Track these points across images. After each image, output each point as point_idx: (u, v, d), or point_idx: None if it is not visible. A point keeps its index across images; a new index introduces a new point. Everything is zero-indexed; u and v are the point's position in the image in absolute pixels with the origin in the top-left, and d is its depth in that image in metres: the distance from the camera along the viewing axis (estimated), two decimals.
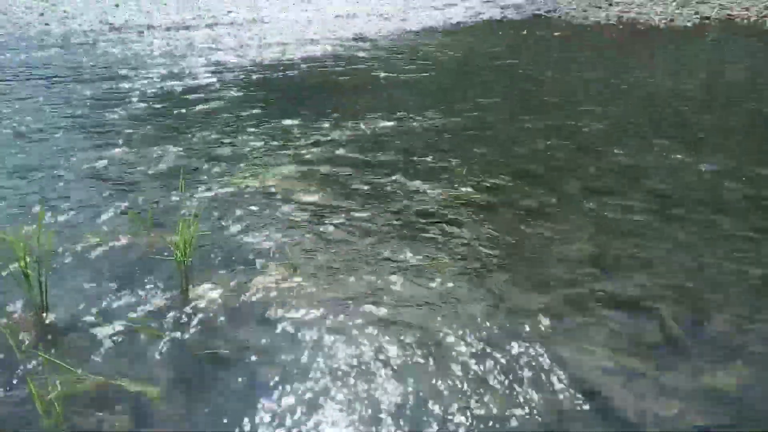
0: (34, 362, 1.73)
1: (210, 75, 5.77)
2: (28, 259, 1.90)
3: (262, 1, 13.96)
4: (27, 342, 1.83)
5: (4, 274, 2.13)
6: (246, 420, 1.56)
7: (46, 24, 9.81)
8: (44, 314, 1.94)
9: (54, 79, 5.55)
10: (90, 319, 1.94)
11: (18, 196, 2.87)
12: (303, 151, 3.59)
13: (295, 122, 4.16)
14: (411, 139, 3.89)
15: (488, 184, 3.15)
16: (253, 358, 1.79)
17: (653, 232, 2.66)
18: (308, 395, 1.65)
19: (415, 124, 4.20)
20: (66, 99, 4.77)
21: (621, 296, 2.18)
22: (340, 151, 3.60)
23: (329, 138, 3.84)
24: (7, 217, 2.61)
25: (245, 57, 6.74)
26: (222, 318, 1.98)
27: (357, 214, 2.77)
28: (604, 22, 11.04)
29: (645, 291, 2.22)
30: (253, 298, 2.09)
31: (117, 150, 3.55)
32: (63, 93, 4.98)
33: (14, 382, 1.66)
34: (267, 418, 1.56)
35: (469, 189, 3.06)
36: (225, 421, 1.56)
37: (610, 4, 13.57)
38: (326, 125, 4.12)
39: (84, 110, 4.45)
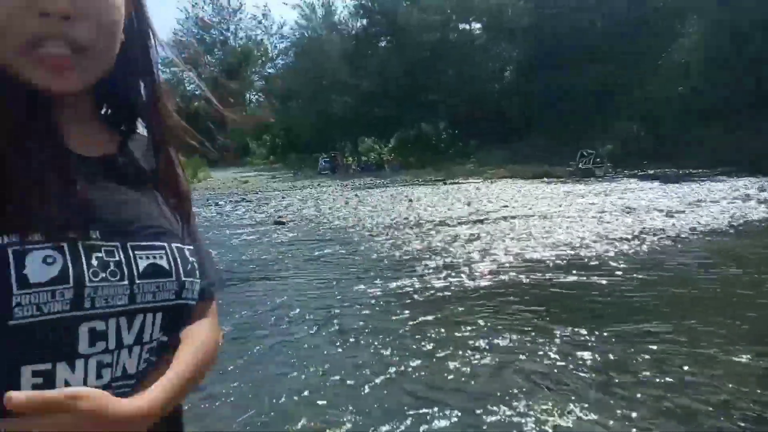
0: None
1: (497, 271, 6.26)
2: None
3: (541, 195, 14.92)
4: None
5: None
6: None
7: (359, 218, 12.24)
8: None
9: (364, 272, 6.75)
10: None
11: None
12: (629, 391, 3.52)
13: (585, 339, 4.14)
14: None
15: None
16: None
17: None
18: None
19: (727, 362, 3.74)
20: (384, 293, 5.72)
21: None
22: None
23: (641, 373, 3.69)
24: None
25: (521, 255, 7.17)
26: None
27: None
28: None
29: None
30: None
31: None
32: (369, 287, 5.99)
33: None
34: None
35: None
36: None
37: None
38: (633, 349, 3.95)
39: (387, 310, 5.26)
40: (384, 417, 3.05)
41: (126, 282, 0.61)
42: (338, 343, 4.26)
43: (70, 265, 0.56)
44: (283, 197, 19.23)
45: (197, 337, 0.72)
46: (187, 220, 0.75)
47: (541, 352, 3.87)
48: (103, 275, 0.59)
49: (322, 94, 43.49)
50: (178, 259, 0.66)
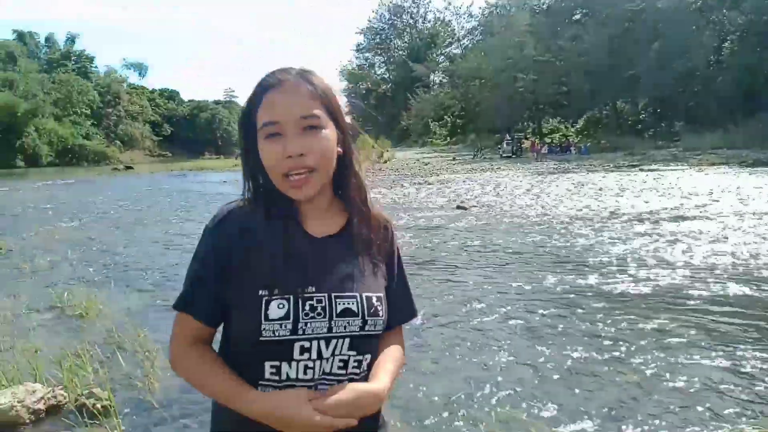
0: None
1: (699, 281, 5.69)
2: None
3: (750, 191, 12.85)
4: None
5: None
6: None
7: (542, 207, 11.89)
8: None
9: (529, 264, 6.63)
10: None
11: None
12: None
13: None
14: None
15: None
16: None
17: None
18: None
19: None
20: (536, 292, 5.62)
21: None
22: None
23: None
24: None
25: (727, 261, 6.35)
26: None
27: None
28: None
29: None
30: None
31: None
32: (533, 282, 5.88)
33: None
34: None
35: None
36: None
37: None
38: None
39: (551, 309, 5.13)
40: (573, 411, 3.09)
41: (326, 319, 0.99)
42: (522, 337, 4.33)
43: (291, 309, 0.97)
44: (463, 180, 19.46)
45: (393, 353, 1.12)
46: (394, 270, 1.14)
47: (746, 374, 3.48)
48: (312, 315, 0.98)
49: (506, 72, 42.39)
50: (365, 305, 1.03)
